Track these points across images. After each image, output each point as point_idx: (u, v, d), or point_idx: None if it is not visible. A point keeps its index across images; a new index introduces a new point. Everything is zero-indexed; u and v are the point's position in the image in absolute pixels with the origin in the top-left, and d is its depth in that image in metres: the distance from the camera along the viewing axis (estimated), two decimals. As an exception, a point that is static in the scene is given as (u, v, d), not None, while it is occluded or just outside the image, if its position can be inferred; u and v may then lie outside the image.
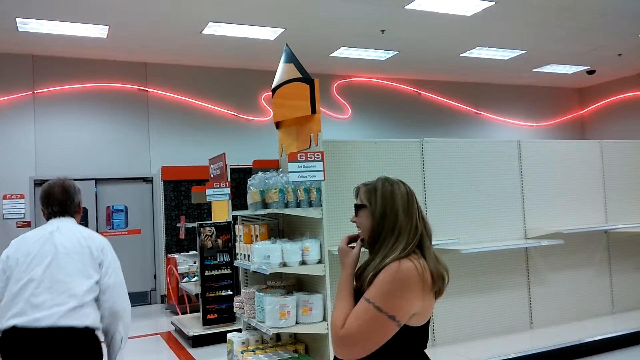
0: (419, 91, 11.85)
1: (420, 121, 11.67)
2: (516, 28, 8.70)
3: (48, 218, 2.78)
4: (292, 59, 4.51)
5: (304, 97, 4.32)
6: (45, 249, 2.55)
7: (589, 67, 11.53)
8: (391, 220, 1.76)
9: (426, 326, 1.74)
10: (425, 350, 1.78)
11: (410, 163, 4.95)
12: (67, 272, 2.50)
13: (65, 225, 2.70)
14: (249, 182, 4.46)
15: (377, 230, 1.77)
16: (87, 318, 2.47)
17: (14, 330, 2.41)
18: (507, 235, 5.30)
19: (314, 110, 4.27)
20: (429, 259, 1.73)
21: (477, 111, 12.43)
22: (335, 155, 4.57)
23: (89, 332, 2.48)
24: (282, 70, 4.65)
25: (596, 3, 7.71)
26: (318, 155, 4.11)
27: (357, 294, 1.75)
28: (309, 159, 4.07)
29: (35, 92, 8.85)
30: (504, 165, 5.39)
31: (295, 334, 4.60)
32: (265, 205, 4.31)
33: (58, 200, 2.78)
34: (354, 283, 1.79)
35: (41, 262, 2.50)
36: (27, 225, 8.57)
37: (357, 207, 1.84)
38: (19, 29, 7.64)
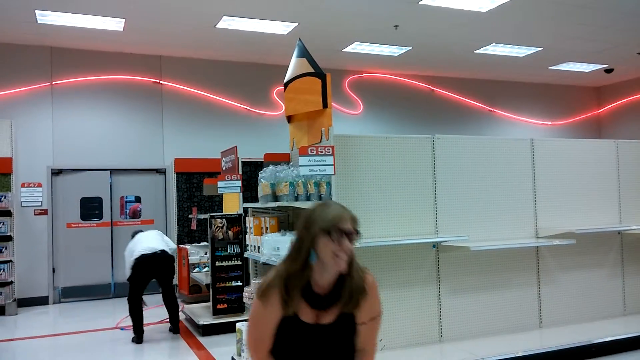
0: (432, 88, 11.80)
1: (433, 118, 11.63)
2: (532, 25, 8.63)
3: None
4: (304, 53, 4.54)
5: (315, 91, 4.34)
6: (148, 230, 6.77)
7: (607, 66, 11.38)
8: None
9: None
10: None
11: (421, 159, 4.94)
12: (158, 238, 6.54)
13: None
14: (260, 175, 4.51)
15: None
16: (169, 249, 6.47)
17: (143, 255, 6.18)
18: (518, 233, 5.29)
19: (325, 104, 4.30)
20: None
21: (490, 109, 12.35)
22: (346, 150, 4.58)
23: (170, 254, 6.47)
24: (294, 65, 4.68)
25: (615, 0, 7.61)
26: (329, 149, 4.14)
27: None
28: (319, 153, 4.10)
29: (53, 83, 8.97)
30: (516, 163, 5.36)
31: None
32: (275, 198, 4.36)
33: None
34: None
35: (148, 233, 6.63)
36: (44, 213, 8.72)
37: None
38: (38, 21, 7.74)
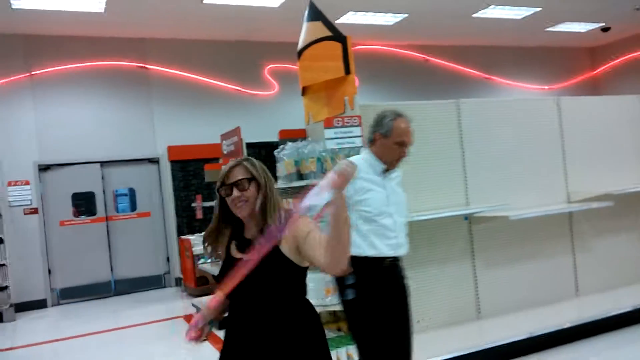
0: (426, 57, 11.44)
1: (427, 89, 11.21)
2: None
3: None
4: (319, 16, 4.15)
5: (335, 57, 3.97)
6: None
7: (604, 24, 11.12)
8: (272, 187, 2.03)
9: None
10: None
11: (447, 126, 4.61)
12: None
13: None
14: (280, 154, 4.13)
15: (268, 198, 1.99)
16: None
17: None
18: (549, 199, 5.00)
19: (347, 70, 3.93)
20: None
21: (487, 76, 12.04)
22: (371, 120, 4.21)
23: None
24: (307, 30, 4.28)
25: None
26: (355, 119, 3.78)
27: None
28: (346, 124, 3.74)
29: (32, 73, 8.40)
30: (543, 125, 5.06)
31: (334, 312, 4.32)
32: (300, 177, 3.99)
33: None
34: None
35: None
36: (35, 212, 8.21)
37: (249, 181, 1.97)
38: (13, 7, 7.17)
